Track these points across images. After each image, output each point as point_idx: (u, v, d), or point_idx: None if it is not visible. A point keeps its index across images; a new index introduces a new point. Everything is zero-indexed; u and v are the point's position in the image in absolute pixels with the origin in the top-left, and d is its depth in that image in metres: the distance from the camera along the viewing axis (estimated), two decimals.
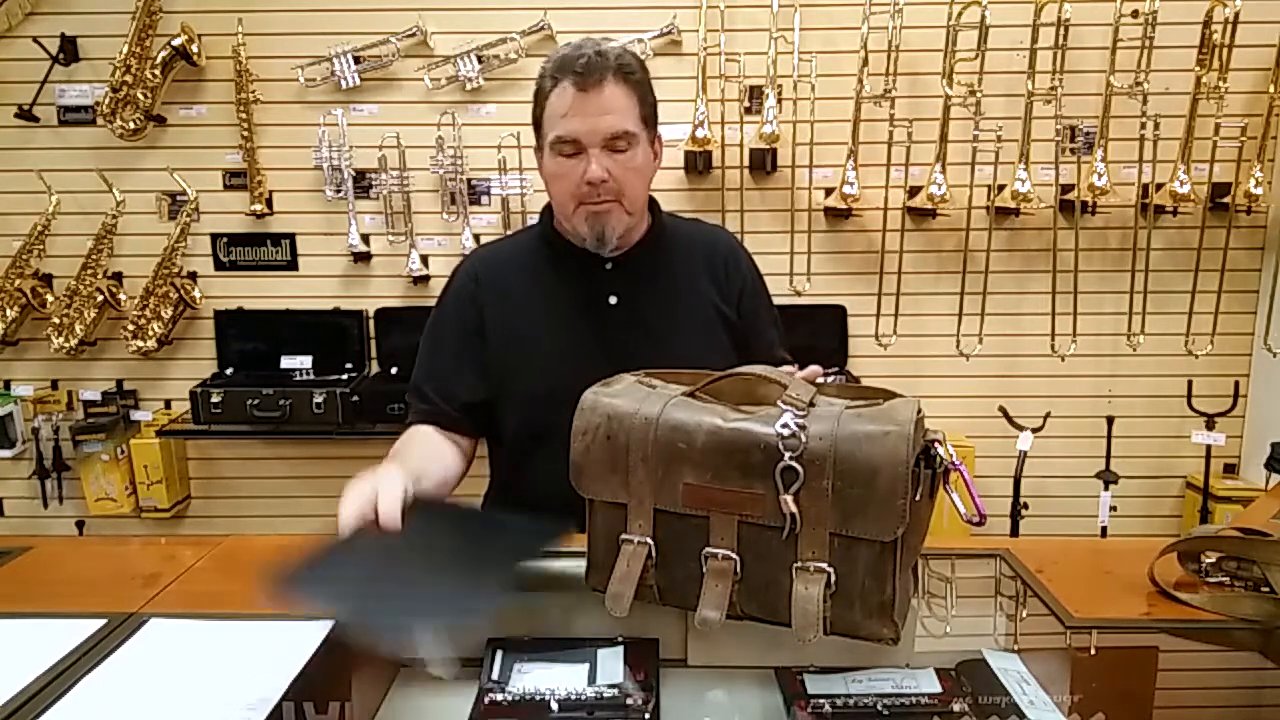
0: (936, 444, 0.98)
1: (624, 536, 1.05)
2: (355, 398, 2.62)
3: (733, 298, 1.54)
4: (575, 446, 1.08)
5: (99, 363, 2.84)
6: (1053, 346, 2.71)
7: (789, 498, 0.95)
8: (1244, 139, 2.58)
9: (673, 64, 2.66)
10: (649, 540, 1.04)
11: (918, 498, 0.95)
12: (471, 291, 1.50)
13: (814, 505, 0.95)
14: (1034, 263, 2.73)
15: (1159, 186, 2.61)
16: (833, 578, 0.96)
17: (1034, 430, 2.59)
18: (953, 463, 0.98)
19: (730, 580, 1.00)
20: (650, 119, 1.43)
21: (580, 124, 1.35)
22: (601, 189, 1.37)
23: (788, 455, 0.95)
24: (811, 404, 1.00)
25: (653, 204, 1.52)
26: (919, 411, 0.99)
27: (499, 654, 1.06)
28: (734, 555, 1.00)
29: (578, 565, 1.12)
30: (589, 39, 1.39)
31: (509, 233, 1.67)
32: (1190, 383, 2.74)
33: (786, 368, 1.27)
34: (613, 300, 1.47)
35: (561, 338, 1.46)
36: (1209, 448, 2.68)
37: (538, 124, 1.42)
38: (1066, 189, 2.64)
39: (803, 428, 0.96)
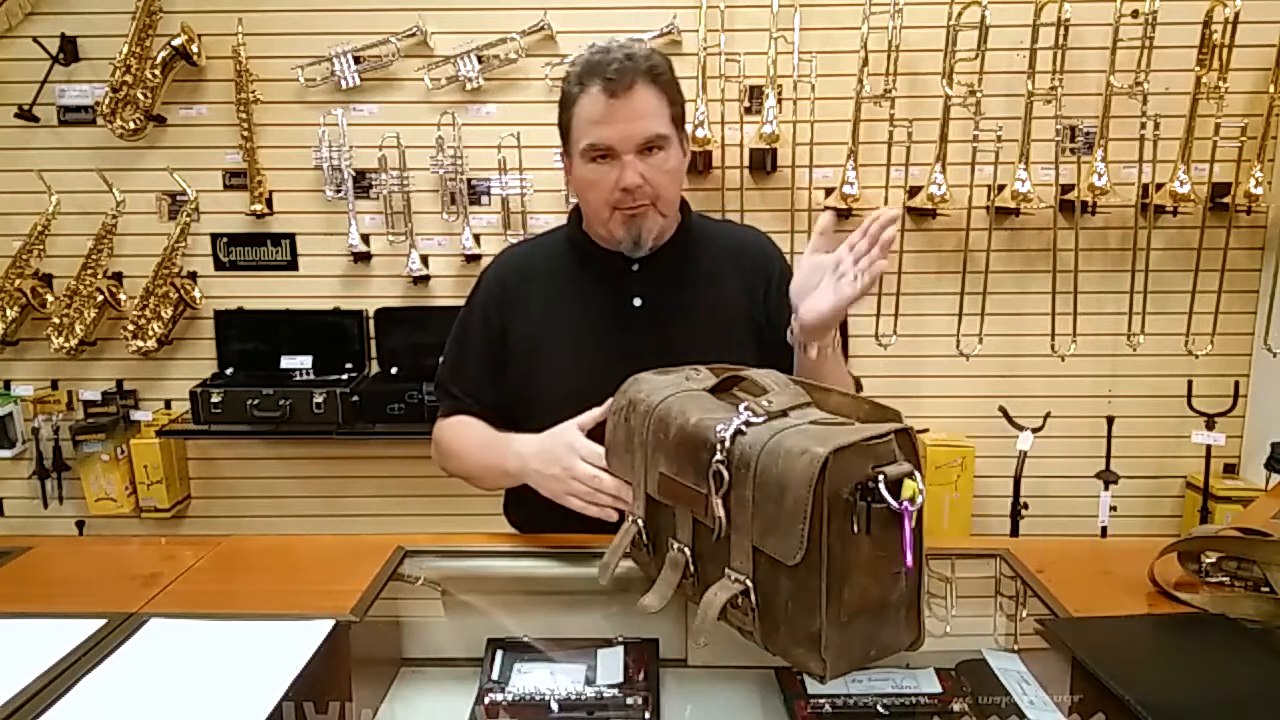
0: (882, 478, 0.86)
1: (629, 514, 1.12)
2: (355, 398, 2.62)
3: (763, 299, 1.51)
4: (607, 424, 1.16)
5: (99, 363, 2.83)
6: (1053, 346, 2.71)
7: (718, 500, 0.93)
8: (1244, 139, 2.58)
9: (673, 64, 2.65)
10: (640, 521, 1.09)
11: (855, 530, 0.86)
12: (496, 296, 1.51)
13: (740, 513, 0.92)
14: (1034, 263, 2.72)
15: (1159, 186, 2.61)
16: (752, 593, 0.91)
17: (1034, 430, 2.59)
18: (901, 505, 0.86)
19: (681, 572, 1.01)
20: (680, 119, 1.41)
21: (613, 131, 1.33)
22: (637, 194, 1.36)
23: (717, 458, 0.93)
24: (784, 413, 0.95)
25: (683, 204, 1.50)
26: (892, 439, 0.89)
27: (499, 654, 1.06)
28: (688, 549, 1.00)
29: (578, 566, 1.12)
30: (614, 40, 1.38)
31: (540, 233, 1.67)
32: (1190, 383, 2.74)
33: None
34: (637, 302, 1.46)
35: (583, 342, 1.45)
36: (1209, 448, 2.67)
37: (565, 131, 1.40)
38: (1066, 189, 2.64)
39: (742, 433, 0.92)
